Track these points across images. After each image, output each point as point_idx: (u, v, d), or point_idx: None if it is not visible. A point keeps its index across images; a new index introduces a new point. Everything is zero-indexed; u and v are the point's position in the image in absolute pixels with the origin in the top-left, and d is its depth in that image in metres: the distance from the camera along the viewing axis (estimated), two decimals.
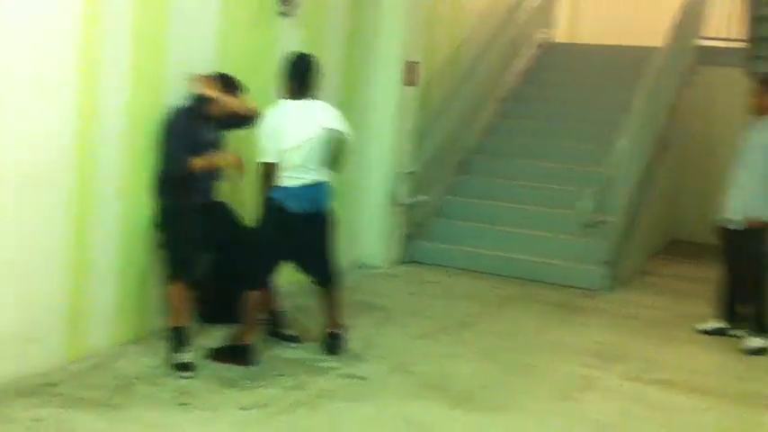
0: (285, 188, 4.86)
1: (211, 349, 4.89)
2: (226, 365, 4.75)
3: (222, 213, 5.24)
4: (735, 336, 5.95)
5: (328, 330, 5.16)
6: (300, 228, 4.90)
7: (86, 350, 4.71)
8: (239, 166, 5.05)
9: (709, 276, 8.07)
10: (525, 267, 7.54)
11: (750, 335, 5.78)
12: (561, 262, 7.52)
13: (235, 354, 4.82)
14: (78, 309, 4.66)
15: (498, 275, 7.47)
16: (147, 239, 5.07)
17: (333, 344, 5.12)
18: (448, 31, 8.55)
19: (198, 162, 4.87)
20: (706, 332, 6.10)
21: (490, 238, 7.83)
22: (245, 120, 5.11)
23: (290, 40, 6.17)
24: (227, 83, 5.09)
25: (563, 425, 4.34)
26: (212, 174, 5.10)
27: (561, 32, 11.66)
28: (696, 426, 4.44)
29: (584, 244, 7.52)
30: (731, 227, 5.87)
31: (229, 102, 5.01)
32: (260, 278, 4.96)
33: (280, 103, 4.97)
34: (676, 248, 9.74)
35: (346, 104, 7.05)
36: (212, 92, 4.97)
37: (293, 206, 4.84)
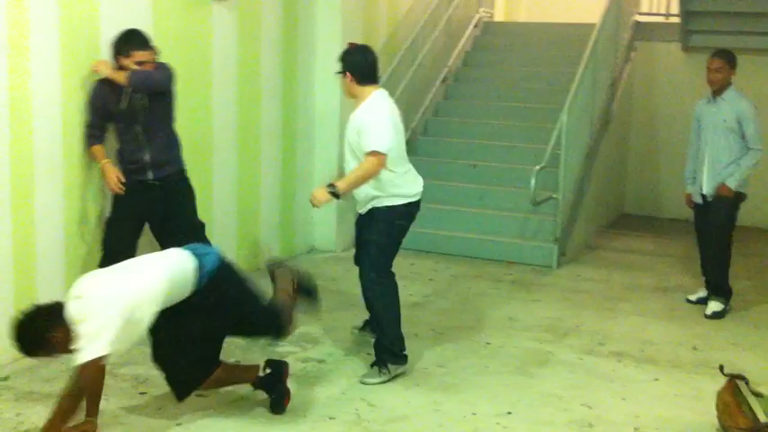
0: None
1: None
2: None
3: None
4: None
5: None
6: None
7: None
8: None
9: (657, 249, 8.29)
10: (475, 246, 7.59)
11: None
12: (510, 239, 7.59)
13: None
14: (25, 304, 4.56)
15: (449, 255, 7.53)
16: (95, 233, 5.01)
17: None
18: (386, 12, 8.49)
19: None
20: (690, 302, 6.23)
21: (440, 218, 7.85)
22: (146, 85, 4.89)
23: (224, 24, 6.11)
24: (128, 41, 4.88)
25: (520, 399, 4.39)
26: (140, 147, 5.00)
27: (500, 11, 11.71)
28: (651, 395, 4.52)
29: (532, 221, 7.61)
30: (708, 200, 6.00)
31: (113, 76, 4.84)
32: None
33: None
34: (625, 222, 9.89)
35: (287, 88, 7.02)
36: (104, 70, 4.86)
37: None
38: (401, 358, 4.69)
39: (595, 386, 4.61)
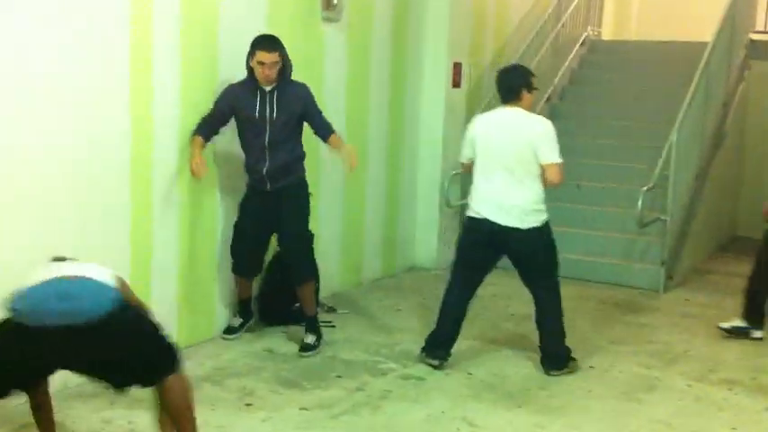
0: None
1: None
2: (287, 365, 4.82)
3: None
4: (755, 338, 5.76)
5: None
6: None
7: None
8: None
9: None
10: (579, 267, 7.44)
11: None
12: (617, 261, 7.44)
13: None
14: None
15: None
16: (211, 236, 5.18)
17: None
18: (493, 31, 8.47)
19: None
20: (726, 330, 5.85)
21: None
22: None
23: (334, 43, 6.22)
24: (255, 43, 5.02)
25: (627, 426, 4.29)
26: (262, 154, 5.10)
27: (608, 29, 11.53)
28: (763, 426, 4.36)
29: (638, 243, 7.44)
30: None
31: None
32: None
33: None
34: (737, 245, 9.54)
35: (394, 107, 7.09)
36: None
37: None
38: (425, 352, 5.03)
39: (705, 414, 4.46)
